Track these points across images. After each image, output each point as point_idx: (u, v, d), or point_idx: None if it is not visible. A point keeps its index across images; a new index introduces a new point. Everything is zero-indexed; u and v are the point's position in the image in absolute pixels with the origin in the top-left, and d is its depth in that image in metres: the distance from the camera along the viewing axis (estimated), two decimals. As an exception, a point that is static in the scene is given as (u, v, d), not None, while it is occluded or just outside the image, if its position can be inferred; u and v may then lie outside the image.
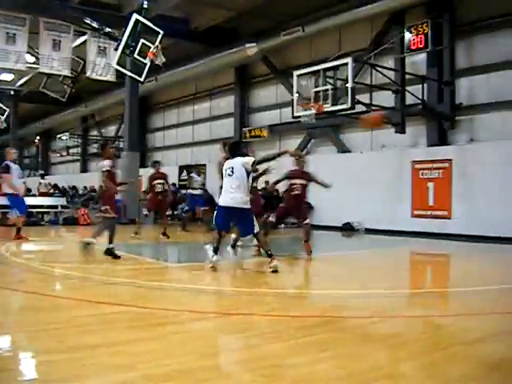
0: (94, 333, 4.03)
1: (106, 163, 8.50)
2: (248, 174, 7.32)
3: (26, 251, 10.01)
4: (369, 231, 14.92)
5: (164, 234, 12.33)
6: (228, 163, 7.50)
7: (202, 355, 3.50)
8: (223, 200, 7.43)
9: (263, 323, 4.57)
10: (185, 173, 23.81)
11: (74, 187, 31.85)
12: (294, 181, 9.19)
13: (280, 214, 9.42)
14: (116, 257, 8.33)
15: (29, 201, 16.92)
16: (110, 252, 8.39)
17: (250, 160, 7.34)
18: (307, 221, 9.34)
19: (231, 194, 7.32)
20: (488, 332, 4.32)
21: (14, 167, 11.17)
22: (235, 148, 7.73)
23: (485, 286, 6.49)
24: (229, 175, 7.38)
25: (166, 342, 3.86)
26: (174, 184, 22.55)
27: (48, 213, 17.68)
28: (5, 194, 11.27)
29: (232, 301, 5.58)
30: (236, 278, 7.68)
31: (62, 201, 18.44)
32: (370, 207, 15.09)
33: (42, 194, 20.02)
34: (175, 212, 20.82)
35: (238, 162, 7.35)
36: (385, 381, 3.12)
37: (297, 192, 9.15)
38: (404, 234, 13.90)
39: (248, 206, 7.36)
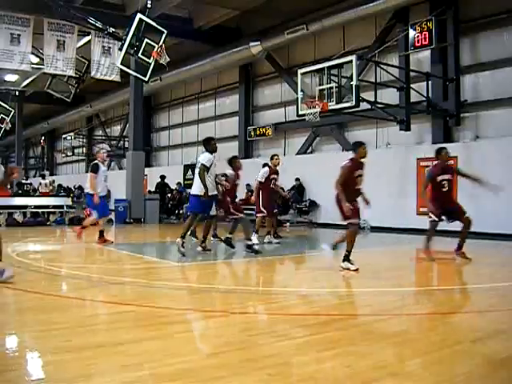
0: (101, 332, 4.05)
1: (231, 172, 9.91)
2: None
3: (32, 251, 10.05)
4: (374, 229, 14.88)
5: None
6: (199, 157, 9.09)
7: (208, 354, 3.51)
8: (192, 189, 9.05)
9: (269, 322, 4.58)
10: (190, 172, 23.84)
11: (79, 187, 31.97)
12: (442, 176, 8.38)
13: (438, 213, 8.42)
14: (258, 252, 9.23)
15: (35, 201, 17.08)
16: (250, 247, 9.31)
17: (203, 160, 8.76)
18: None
19: (195, 184, 8.93)
20: (494, 329, 4.31)
21: (103, 168, 10.82)
22: (204, 143, 9.17)
23: (491, 283, 6.47)
24: (197, 167, 8.91)
25: (172, 341, 3.88)
26: (179, 183, 22.60)
27: (54, 213, 17.74)
28: (87, 194, 10.91)
29: (237, 299, 5.58)
30: (240, 276, 7.69)
31: (68, 201, 18.48)
32: (376, 205, 14.95)
33: (42, 195, 20.06)
34: (181, 211, 20.88)
35: (201, 158, 8.90)
36: (390, 378, 3.12)
37: (447, 189, 8.42)
38: (409, 231, 13.86)
39: (197, 193, 8.76)
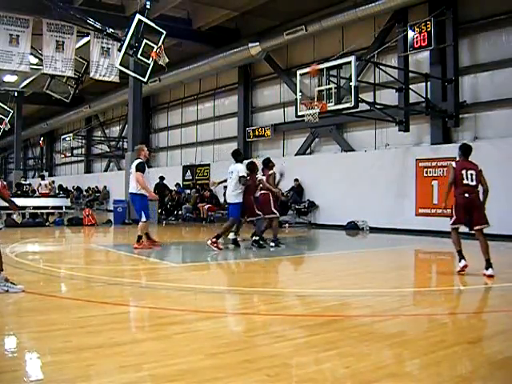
0: (99, 333, 4.04)
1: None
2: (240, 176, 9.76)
3: (31, 252, 10.04)
4: (373, 230, 14.89)
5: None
6: (231, 167, 10.01)
7: (207, 355, 3.50)
8: (226, 196, 10.22)
9: (268, 323, 4.57)
10: (189, 173, 23.84)
11: (78, 188, 31.98)
12: None
13: None
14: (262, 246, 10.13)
15: (34, 202, 17.06)
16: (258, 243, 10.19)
17: (241, 171, 9.74)
18: None
19: (229, 191, 9.96)
20: (494, 330, 4.31)
21: (147, 169, 10.03)
22: (235, 155, 10.17)
23: (490, 284, 6.48)
24: (230, 177, 9.89)
25: (171, 341, 3.87)
26: (178, 184, 22.58)
27: (52, 214, 17.72)
28: (133, 194, 9.96)
29: (236, 300, 5.58)
30: (240, 277, 7.68)
31: (67, 202, 18.46)
32: (375, 206, 15.06)
33: (42, 195, 20.03)
34: (180, 212, 20.88)
35: (236, 169, 9.82)
36: (390, 379, 3.11)
37: None
38: (408, 232, 13.87)
39: (237, 201, 9.84)
